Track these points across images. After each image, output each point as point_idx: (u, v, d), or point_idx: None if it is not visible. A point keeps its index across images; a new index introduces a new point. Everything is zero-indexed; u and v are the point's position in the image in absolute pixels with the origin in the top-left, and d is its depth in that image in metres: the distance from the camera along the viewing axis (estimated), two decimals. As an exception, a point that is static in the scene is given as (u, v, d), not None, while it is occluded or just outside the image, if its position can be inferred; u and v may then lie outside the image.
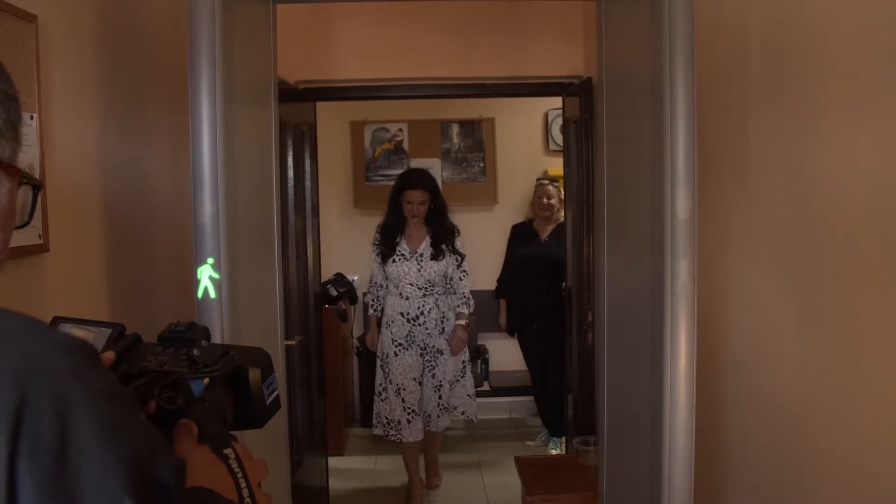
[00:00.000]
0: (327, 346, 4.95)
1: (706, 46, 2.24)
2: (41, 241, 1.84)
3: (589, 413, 4.34)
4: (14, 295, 1.74)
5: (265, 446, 2.15)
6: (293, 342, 3.98)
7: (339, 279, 5.78)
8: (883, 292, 1.81)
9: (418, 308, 4.54)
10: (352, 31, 4.36)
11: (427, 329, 4.55)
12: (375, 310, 4.73)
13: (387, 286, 4.64)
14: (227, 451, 0.99)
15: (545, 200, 5.56)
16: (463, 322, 4.63)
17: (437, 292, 4.58)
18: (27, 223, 1.00)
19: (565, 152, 4.92)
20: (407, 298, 4.54)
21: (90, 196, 2.19)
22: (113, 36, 2.34)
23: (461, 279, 4.64)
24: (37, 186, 0.99)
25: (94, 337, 1.11)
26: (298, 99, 4.17)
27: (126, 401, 0.86)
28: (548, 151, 6.54)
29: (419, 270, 4.53)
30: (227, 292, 1.98)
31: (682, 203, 2.04)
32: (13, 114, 0.90)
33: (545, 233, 5.60)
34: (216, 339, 1.99)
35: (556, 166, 6.07)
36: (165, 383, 1.03)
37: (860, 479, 1.89)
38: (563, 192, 5.56)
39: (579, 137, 4.43)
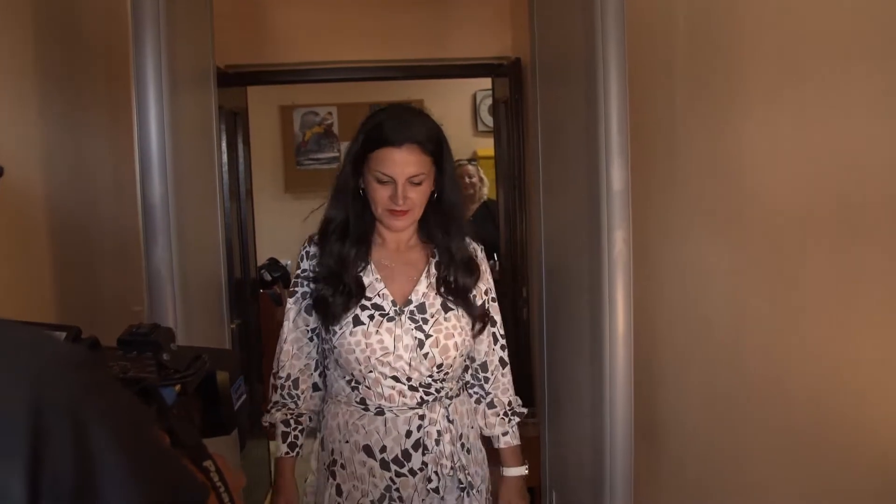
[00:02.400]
0: (264, 329, 4.96)
1: (634, 25, 2.33)
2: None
3: (527, 386, 4.45)
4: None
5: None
6: (233, 326, 3.99)
7: (273, 264, 5.79)
8: (804, 253, 1.93)
9: (412, 435, 2.07)
10: (280, 14, 4.34)
11: (430, 482, 2.09)
12: (293, 430, 2.14)
13: (324, 374, 2.18)
14: (207, 463, 0.92)
15: (467, 180, 5.61)
16: (521, 471, 2.30)
17: (449, 392, 2.13)
18: None
19: (496, 132, 5.00)
20: (385, 414, 2.06)
21: (31, 185, 2.18)
22: (53, 20, 2.31)
23: (496, 348, 2.26)
24: None
25: None
26: (229, 83, 4.16)
27: (145, 420, 0.80)
28: (476, 132, 6.62)
29: (416, 346, 2.05)
30: (178, 274, 2.00)
31: (616, 175, 2.13)
32: None
33: (469, 212, 5.66)
34: (168, 322, 2.02)
35: (485, 146, 6.15)
36: (133, 391, 0.94)
37: (795, 440, 2.01)
38: (481, 170, 5.65)
39: (509, 117, 4.51)
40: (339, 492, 2.08)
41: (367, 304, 2.04)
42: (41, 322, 1.01)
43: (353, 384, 2.05)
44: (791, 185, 1.98)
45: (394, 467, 2.04)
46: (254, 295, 4.54)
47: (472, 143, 6.58)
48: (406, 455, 2.04)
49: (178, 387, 1.01)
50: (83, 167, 2.54)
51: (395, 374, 2.01)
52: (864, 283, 1.69)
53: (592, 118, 2.18)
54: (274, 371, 2.15)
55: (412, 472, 2.05)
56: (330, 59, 4.43)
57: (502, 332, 2.26)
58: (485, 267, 2.22)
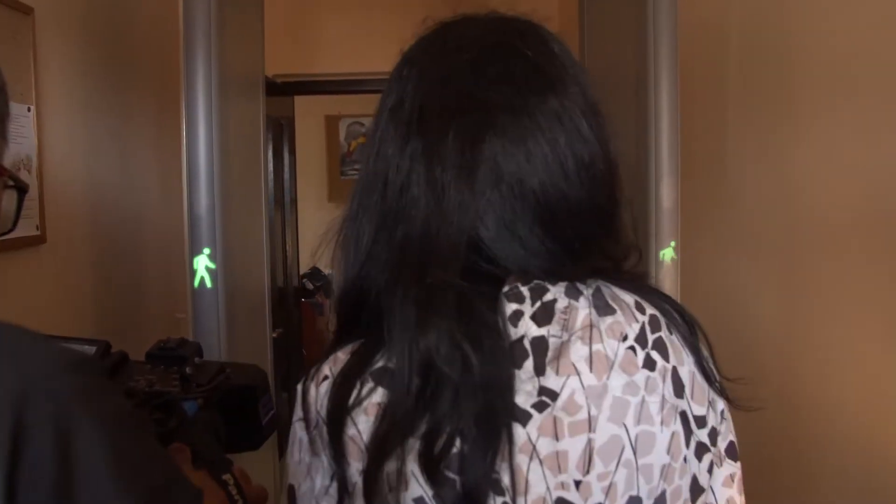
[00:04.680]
0: (305, 339, 4.98)
1: (687, 43, 2.30)
2: (38, 233, 1.85)
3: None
4: (13, 286, 1.75)
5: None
6: (275, 335, 4.00)
7: (315, 273, 5.80)
8: (856, 279, 1.88)
9: None
10: (328, 25, 4.37)
11: None
12: None
13: None
14: (226, 476, 0.90)
15: None
16: None
17: None
18: (10, 230, 0.86)
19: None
20: None
21: (81, 187, 2.20)
22: (104, 28, 2.35)
23: None
24: (23, 190, 0.86)
25: None
26: (276, 92, 4.18)
27: (139, 425, 0.77)
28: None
29: None
30: (222, 283, 1.99)
31: (666, 193, 2.09)
32: (2, 107, 0.78)
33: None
34: (212, 330, 2.02)
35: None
36: (156, 404, 0.95)
37: (843, 463, 1.96)
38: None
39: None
40: None
41: None
42: (72, 336, 1.02)
43: None
44: (845, 207, 1.93)
45: None
46: (296, 304, 4.55)
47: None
48: None
49: (200, 400, 1.01)
50: (130, 176, 2.57)
51: None
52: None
53: (643, 135, 2.14)
54: None
55: None
56: (376, 69, 4.42)
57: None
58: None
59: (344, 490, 0.75)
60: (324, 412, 0.76)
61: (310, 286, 5.70)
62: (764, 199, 2.31)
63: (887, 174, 1.76)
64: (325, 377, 0.78)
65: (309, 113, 5.98)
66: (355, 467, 0.74)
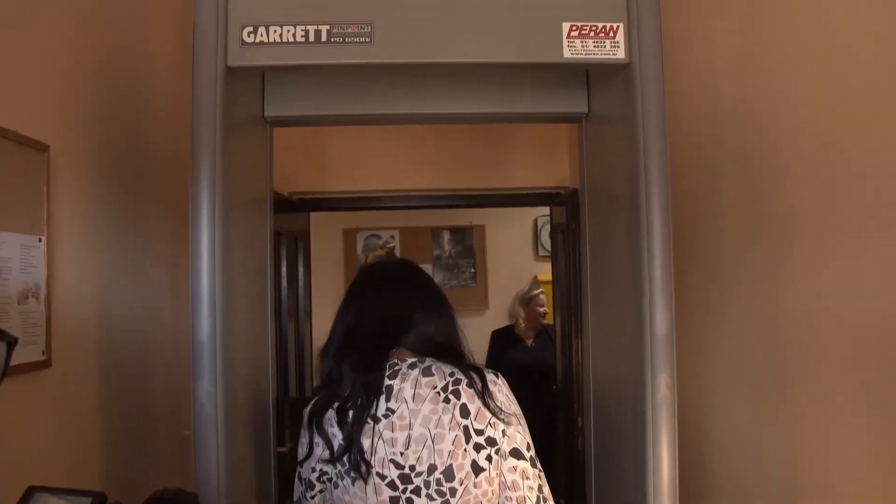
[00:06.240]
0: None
1: (680, 170, 2.37)
2: (44, 357, 1.91)
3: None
4: (17, 411, 1.80)
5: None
6: (285, 449, 3.98)
7: (331, 384, 5.81)
8: (852, 415, 1.88)
9: None
10: (345, 145, 4.51)
11: None
12: None
13: None
14: None
15: (542, 309, 5.60)
16: None
17: None
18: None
19: (553, 258, 5.02)
20: None
21: (91, 311, 2.27)
22: (116, 163, 2.46)
23: None
24: (11, 343, 0.91)
25: None
26: (292, 209, 4.30)
27: None
28: (537, 257, 6.66)
29: None
30: (222, 405, 2.03)
31: (660, 318, 2.12)
32: None
33: (530, 338, 5.64)
34: (211, 450, 2.05)
35: (545, 271, 6.17)
36: None
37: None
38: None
39: (567, 244, 4.52)
40: None
41: None
42: (68, 488, 1.04)
43: None
44: (844, 337, 1.95)
45: None
46: (310, 415, 4.54)
47: (533, 266, 6.62)
48: None
49: None
50: (142, 298, 2.64)
51: None
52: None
53: (636, 259, 2.19)
54: None
55: None
56: (391, 187, 4.55)
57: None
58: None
59: (311, 442, 1.82)
60: (307, 416, 1.86)
61: (326, 397, 5.68)
62: (760, 328, 2.33)
63: (888, 304, 1.78)
64: (311, 402, 1.87)
65: (328, 226, 6.11)
66: (312, 450, 1.82)
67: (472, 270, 6.60)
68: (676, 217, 2.20)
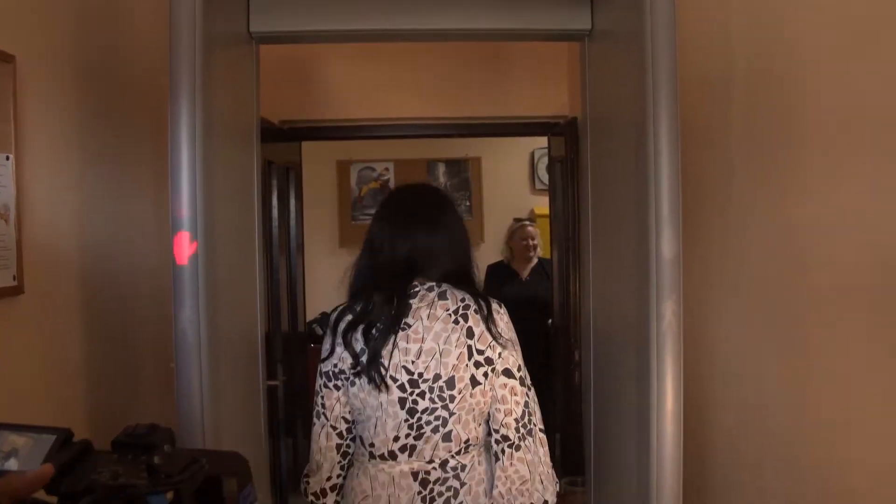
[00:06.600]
0: (313, 385, 4.90)
1: (689, 90, 2.25)
2: (15, 283, 1.81)
3: (577, 453, 4.28)
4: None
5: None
6: (277, 382, 3.93)
7: (325, 318, 5.74)
8: (859, 334, 1.80)
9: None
10: (337, 71, 4.37)
11: None
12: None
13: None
14: None
15: (529, 241, 5.52)
16: None
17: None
18: None
19: (551, 191, 4.92)
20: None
21: (68, 236, 2.16)
22: (92, 77, 2.32)
23: None
24: None
25: (34, 444, 0.93)
26: (283, 139, 4.17)
27: None
28: (534, 190, 6.56)
29: None
30: (205, 334, 1.94)
31: (666, 243, 2.02)
32: None
33: (525, 272, 5.56)
34: (194, 381, 1.97)
35: (542, 205, 6.08)
36: (120, 500, 0.88)
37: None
38: (538, 229, 5.57)
39: (565, 176, 4.42)
40: None
41: None
42: (29, 425, 0.95)
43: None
44: (851, 264, 1.85)
45: None
46: (302, 350, 4.48)
47: (529, 200, 6.52)
48: None
49: (170, 494, 0.94)
50: (125, 223, 2.53)
51: None
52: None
53: (643, 184, 2.08)
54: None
55: None
56: (386, 115, 4.42)
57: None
58: None
59: (334, 344, 2.05)
60: (332, 322, 2.08)
61: (319, 331, 5.62)
62: (769, 252, 2.23)
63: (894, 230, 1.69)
64: (335, 310, 2.11)
65: (320, 158, 5.98)
66: (334, 350, 2.04)
67: (468, 203, 6.50)
68: (682, 142, 2.09)
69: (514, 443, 1.99)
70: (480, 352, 1.98)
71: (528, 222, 5.65)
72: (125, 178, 2.56)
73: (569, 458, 4.47)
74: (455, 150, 6.42)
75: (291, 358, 4.31)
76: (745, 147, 2.39)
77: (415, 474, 2.00)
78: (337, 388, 2.06)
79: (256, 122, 2.60)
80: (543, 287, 5.26)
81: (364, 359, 1.97)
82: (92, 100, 2.30)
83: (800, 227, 2.09)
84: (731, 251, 2.45)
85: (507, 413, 1.99)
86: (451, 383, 1.96)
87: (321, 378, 2.10)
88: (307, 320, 4.80)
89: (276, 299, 4.06)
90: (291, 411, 4.27)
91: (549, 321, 4.93)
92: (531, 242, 5.51)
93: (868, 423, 1.82)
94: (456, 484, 2.00)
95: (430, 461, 2.00)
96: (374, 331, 1.98)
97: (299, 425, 4.37)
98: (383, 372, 1.96)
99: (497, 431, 2.01)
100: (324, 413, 2.09)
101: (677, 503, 2.07)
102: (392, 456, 2.00)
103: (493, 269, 5.69)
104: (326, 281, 5.86)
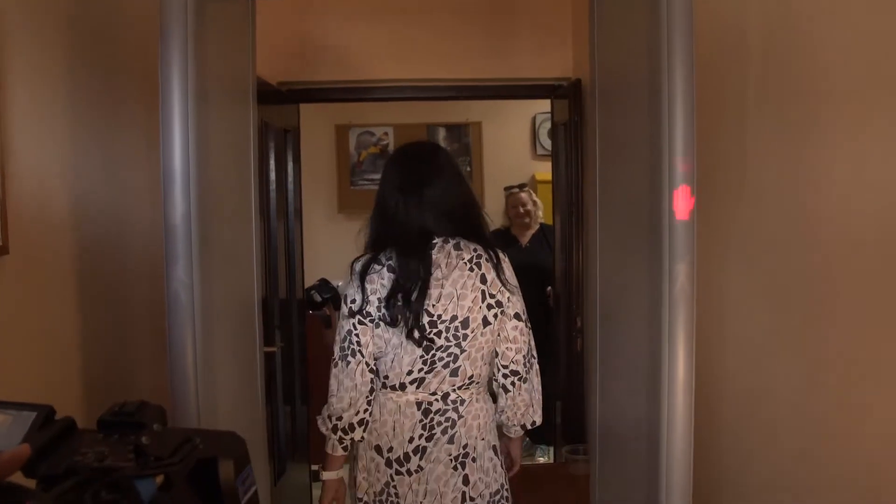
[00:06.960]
0: (311, 352, 4.84)
1: (703, 49, 2.15)
2: (0, 243, 1.73)
3: (578, 421, 4.24)
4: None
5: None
6: (274, 349, 3.87)
7: (324, 285, 5.67)
8: (879, 303, 1.72)
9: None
10: (336, 32, 4.25)
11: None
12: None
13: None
14: None
15: (521, 209, 5.44)
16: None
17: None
18: None
19: (553, 156, 4.83)
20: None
21: (56, 194, 2.08)
22: (81, 27, 2.23)
23: None
24: None
25: (13, 422, 0.87)
26: (281, 100, 4.07)
27: None
28: (535, 156, 6.47)
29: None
30: (199, 296, 1.87)
31: (681, 202, 1.94)
32: None
33: (525, 238, 5.49)
34: (187, 345, 1.89)
35: (543, 170, 5.99)
36: (103, 484, 0.81)
37: (857, 492, 1.80)
38: (533, 195, 5.48)
39: (568, 141, 4.34)
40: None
41: None
42: (12, 402, 0.89)
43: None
44: (870, 223, 1.78)
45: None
46: (300, 316, 4.42)
47: (530, 166, 6.44)
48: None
49: (159, 478, 0.86)
50: (116, 182, 2.44)
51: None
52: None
53: (656, 143, 1.99)
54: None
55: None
56: (385, 77, 4.32)
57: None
58: None
59: (363, 302, 2.29)
60: (358, 271, 2.33)
61: (318, 298, 5.55)
62: (785, 212, 2.15)
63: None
64: (359, 260, 2.36)
65: (319, 122, 5.89)
66: (364, 296, 2.29)
67: (468, 169, 6.40)
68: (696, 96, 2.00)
69: (522, 375, 2.40)
70: (492, 296, 2.32)
71: (516, 189, 5.56)
72: (116, 135, 2.46)
73: (569, 425, 4.43)
74: (455, 114, 6.32)
75: (289, 324, 4.25)
76: (761, 107, 2.30)
77: (419, 404, 2.32)
78: (370, 325, 2.28)
79: (252, 82, 2.50)
80: (544, 254, 5.19)
81: (396, 312, 2.25)
82: (80, 52, 2.21)
83: (818, 181, 2.00)
84: (746, 212, 2.37)
85: (518, 351, 2.38)
86: (465, 323, 2.28)
87: (352, 319, 2.29)
88: (305, 286, 4.72)
89: (274, 264, 3.99)
90: (289, 378, 4.22)
91: (549, 288, 4.87)
92: (523, 209, 5.43)
93: (888, 433, 1.75)
94: (454, 416, 2.32)
95: (434, 393, 2.32)
96: (408, 295, 2.24)
97: (296, 394, 4.32)
98: (425, 330, 2.25)
99: (506, 367, 2.39)
100: (359, 350, 2.28)
101: (688, 473, 2.01)
102: (402, 387, 2.31)
103: (495, 236, 5.60)
104: (325, 245, 5.85)
